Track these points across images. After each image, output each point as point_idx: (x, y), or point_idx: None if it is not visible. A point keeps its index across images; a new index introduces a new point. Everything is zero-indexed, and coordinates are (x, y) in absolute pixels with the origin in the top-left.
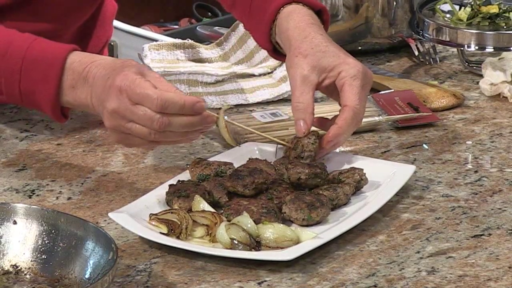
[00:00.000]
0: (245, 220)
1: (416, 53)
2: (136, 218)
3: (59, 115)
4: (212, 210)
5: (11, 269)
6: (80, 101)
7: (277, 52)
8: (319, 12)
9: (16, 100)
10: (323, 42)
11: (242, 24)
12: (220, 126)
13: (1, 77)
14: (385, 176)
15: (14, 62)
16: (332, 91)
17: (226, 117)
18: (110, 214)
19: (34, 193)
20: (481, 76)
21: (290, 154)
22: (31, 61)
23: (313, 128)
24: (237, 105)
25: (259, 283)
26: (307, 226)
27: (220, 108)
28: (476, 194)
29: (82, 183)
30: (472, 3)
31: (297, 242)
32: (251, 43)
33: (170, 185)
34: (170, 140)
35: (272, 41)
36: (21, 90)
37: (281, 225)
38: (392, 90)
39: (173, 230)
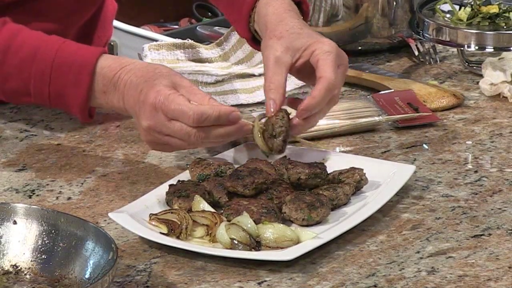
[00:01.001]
0: (245, 220)
1: (416, 53)
2: (136, 218)
3: (86, 116)
4: (212, 210)
5: (11, 269)
6: (112, 104)
7: (256, 41)
8: (299, 4)
9: (43, 101)
10: (298, 25)
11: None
12: (255, 134)
13: (31, 79)
14: (385, 176)
15: (44, 65)
16: (306, 73)
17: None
18: (110, 214)
19: (34, 193)
20: (481, 76)
21: (264, 136)
22: (61, 65)
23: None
24: (237, 105)
25: (259, 283)
26: (307, 226)
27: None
28: (476, 194)
29: (82, 183)
30: (472, 3)
31: (297, 242)
32: None
33: (170, 185)
34: (206, 146)
35: (251, 29)
36: (50, 93)
37: (281, 225)
38: (392, 90)
39: (173, 230)
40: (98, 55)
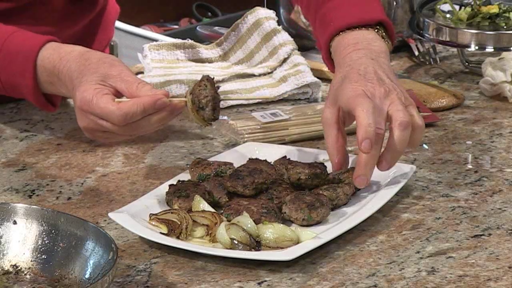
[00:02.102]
0: (245, 220)
1: (416, 53)
2: (136, 218)
3: (45, 104)
4: (212, 210)
5: (11, 269)
6: (63, 94)
7: None
8: (382, 23)
9: (2, 92)
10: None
11: (242, 25)
12: (189, 110)
13: None
14: (385, 176)
15: None
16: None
17: (225, 117)
18: (110, 214)
19: (34, 193)
20: (481, 76)
21: (193, 112)
22: (7, 55)
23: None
24: (237, 105)
25: (259, 283)
26: (307, 226)
27: (189, 92)
28: (476, 194)
29: (82, 183)
30: (472, 3)
31: (297, 242)
32: (251, 43)
33: (170, 185)
34: (149, 132)
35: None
36: (3, 83)
37: (281, 225)
38: None
39: (173, 230)
40: (40, 46)
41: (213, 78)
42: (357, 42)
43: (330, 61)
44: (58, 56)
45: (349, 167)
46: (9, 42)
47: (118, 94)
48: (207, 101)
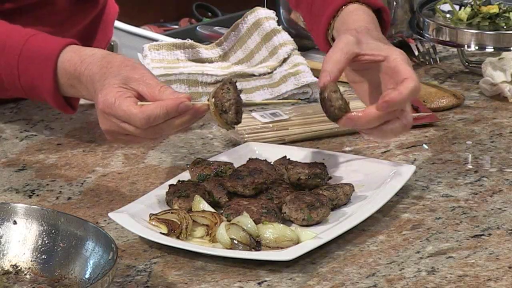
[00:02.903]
0: (245, 220)
1: (416, 53)
2: (136, 218)
3: (65, 107)
4: (212, 210)
5: (11, 269)
6: (83, 97)
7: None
8: (379, 11)
9: (21, 94)
10: (377, 34)
11: (242, 25)
12: (212, 113)
13: (1, 73)
14: (385, 176)
15: (11, 58)
16: (363, 74)
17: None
18: (110, 214)
19: (34, 193)
20: (481, 76)
21: (216, 116)
22: (27, 58)
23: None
24: None
25: (259, 283)
26: (307, 226)
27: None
28: (476, 194)
29: (82, 183)
30: (472, 3)
31: (297, 242)
32: (251, 43)
33: (170, 185)
34: (170, 135)
35: (329, 41)
36: (22, 86)
37: (281, 225)
38: None
39: (173, 230)
40: (61, 49)
41: (236, 82)
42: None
43: (325, 39)
44: (79, 58)
45: (348, 168)
46: (29, 45)
47: (140, 97)
48: (230, 104)
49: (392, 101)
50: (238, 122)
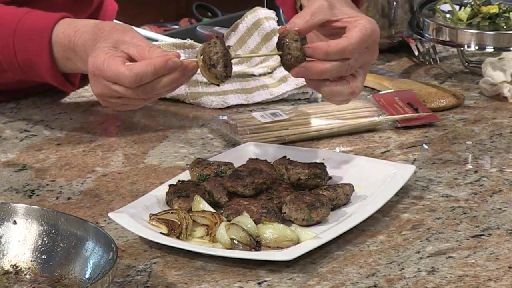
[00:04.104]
0: (245, 220)
1: (416, 53)
2: (136, 218)
3: (64, 83)
4: (212, 210)
5: (11, 269)
6: (80, 69)
7: None
8: None
9: (20, 75)
10: (348, 3)
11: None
12: (200, 69)
13: None
14: (385, 176)
15: (6, 37)
16: (331, 36)
17: (225, 117)
18: (110, 214)
19: (34, 193)
20: (481, 76)
21: (205, 71)
22: (22, 35)
23: None
24: (237, 105)
25: (259, 283)
26: (307, 226)
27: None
28: (476, 194)
29: (82, 183)
30: (472, 3)
31: (297, 242)
32: (251, 43)
33: (170, 185)
34: (162, 95)
35: (297, 10)
36: (19, 64)
37: (281, 225)
38: (392, 90)
39: (173, 230)
40: (55, 22)
41: (223, 36)
42: None
43: (293, 6)
44: (73, 29)
45: (348, 168)
46: (23, 22)
47: (131, 59)
48: (217, 57)
49: (316, 48)
50: (228, 76)
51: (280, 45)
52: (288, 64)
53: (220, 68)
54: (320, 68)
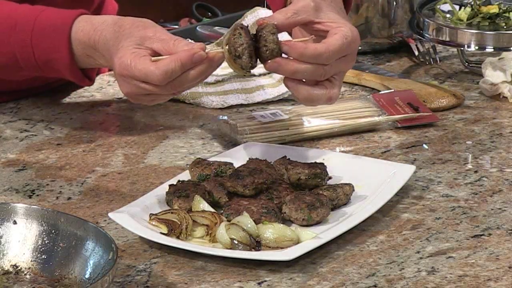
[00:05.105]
0: (245, 220)
1: (416, 53)
2: (136, 218)
3: (82, 78)
4: (212, 210)
5: (11, 269)
6: (101, 65)
7: None
8: None
9: (37, 71)
10: (339, 4)
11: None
12: (227, 60)
13: (15, 52)
14: (385, 176)
15: (24, 35)
16: (317, 36)
17: (225, 117)
18: (110, 214)
19: (34, 193)
20: (481, 76)
21: (231, 62)
22: (40, 32)
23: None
24: (237, 105)
25: (259, 283)
26: (307, 226)
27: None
28: (476, 194)
29: (82, 183)
30: (472, 3)
31: (297, 242)
32: None
33: (170, 185)
34: (191, 87)
35: (286, 5)
36: (37, 62)
37: (281, 225)
38: (392, 90)
39: (173, 230)
40: (73, 19)
41: (247, 26)
42: None
43: (284, 3)
44: (92, 27)
45: (348, 168)
46: (40, 20)
47: (156, 54)
48: (243, 49)
49: (292, 47)
50: (253, 66)
51: (257, 38)
52: (263, 56)
53: (245, 59)
54: (294, 67)
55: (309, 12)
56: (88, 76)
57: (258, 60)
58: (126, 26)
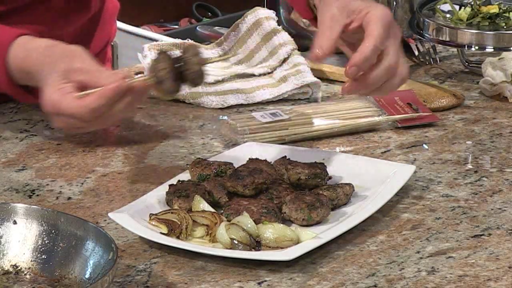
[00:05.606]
0: (245, 220)
1: (416, 53)
2: (136, 218)
3: (24, 95)
4: (212, 210)
5: (11, 269)
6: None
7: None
8: None
9: None
10: None
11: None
12: (152, 86)
13: None
14: (385, 176)
15: None
16: (357, 40)
17: (225, 117)
18: (110, 214)
19: (34, 193)
20: (481, 76)
21: (155, 88)
22: None
23: None
24: (237, 105)
25: (259, 283)
26: (307, 226)
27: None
28: (476, 194)
29: (82, 183)
30: (472, 3)
31: (297, 242)
32: (251, 43)
33: (170, 185)
34: (124, 117)
35: (311, 8)
36: None
37: (281, 225)
38: None
39: (173, 230)
40: (10, 41)
41: (166, 51)
42: None
43: (306, 5)
44: (25, 54)
45: (348, 168)
46: None
47: (83, 86)
48: (165, 73)
49: (356, 63)
50: (178, 90)
51: (180, 60)
52: (189, 78)
53: (168, 83)
54: (370, 78)
55: (339, 19)
56: (32, 92)
57: (183, 83)
58: (55, 56)
